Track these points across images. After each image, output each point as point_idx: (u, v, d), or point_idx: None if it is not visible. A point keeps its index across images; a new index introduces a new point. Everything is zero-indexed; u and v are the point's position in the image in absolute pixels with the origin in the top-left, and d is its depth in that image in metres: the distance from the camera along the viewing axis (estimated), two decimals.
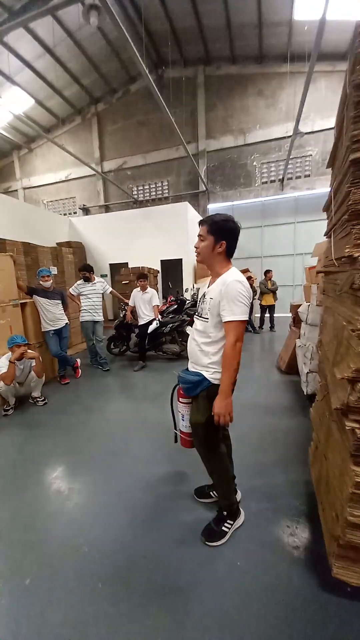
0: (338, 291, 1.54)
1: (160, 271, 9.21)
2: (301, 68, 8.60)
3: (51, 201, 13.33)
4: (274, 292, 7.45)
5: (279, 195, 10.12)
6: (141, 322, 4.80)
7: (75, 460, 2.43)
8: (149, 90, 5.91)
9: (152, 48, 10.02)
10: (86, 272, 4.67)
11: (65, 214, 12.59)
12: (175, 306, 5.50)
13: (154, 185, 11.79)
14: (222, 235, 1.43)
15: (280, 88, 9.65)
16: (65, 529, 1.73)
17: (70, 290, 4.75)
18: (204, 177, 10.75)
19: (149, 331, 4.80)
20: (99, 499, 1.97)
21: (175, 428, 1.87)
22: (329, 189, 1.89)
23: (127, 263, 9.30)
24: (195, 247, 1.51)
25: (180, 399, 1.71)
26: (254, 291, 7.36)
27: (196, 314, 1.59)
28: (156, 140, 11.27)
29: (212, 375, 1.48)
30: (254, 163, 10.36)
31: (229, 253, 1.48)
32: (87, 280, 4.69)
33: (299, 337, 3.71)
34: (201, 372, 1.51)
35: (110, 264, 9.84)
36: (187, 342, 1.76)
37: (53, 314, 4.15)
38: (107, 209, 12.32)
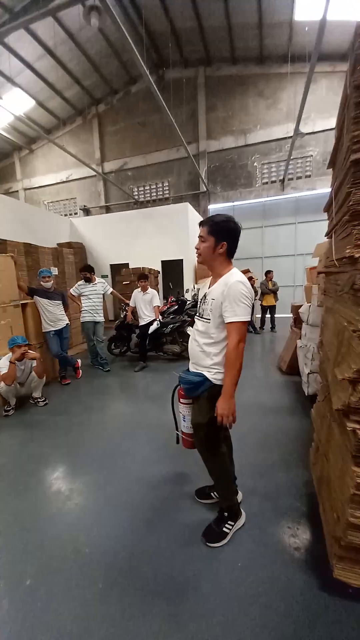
0: (339, 292, 1.54)
1: (160, 272, 9.21)
2: (302, 68, 8.60)
3: (52, 202, 13.36)
4: (274, 292, 7.44)
5: (280, 195, 10.12)
6: (142, 322, 4.81)
7: (75, 461, 2.43)
8: (150, 91, 5.92)
9: (153, 49, 10.04)
10: (87, 272, 4.68)
11: (66, 215, 12.62)
12: (176, 307, 5.50)
13: (154, 186, 11.80)
14: (223, 236, 1.43)
15: (281, 88, 9.65)
16: (65, 530, 1.73)
17: (71, 290, 4.76)
18: (205, 178, 10.75)
19: (149, 332, 4.80)
20: (99, 500, 1.97)
21: (177, 429, 1.87)
22: (329, 190, 1.89)
23: (127, 264, 9.31)
24: (196, 248, 1.51)
25: (181, 400, 1.71)
26: (255, 292, 7.35)
27: (197, 314, 1.59)
28: (157, 141, 11.28)
29: (214, 375, 1.48)
30: (255, 163, 10.36)
31: (230, 254, 1.48)
32: (88, 280, 4.70)
33: (300, 338, 3.70)
34: (203, 372, 1.51)
35: (111, 265, 9.85)
36: (187, 343, 1.76)
37: (54, 315, 4.15)
38: (107, 209, 12.33)
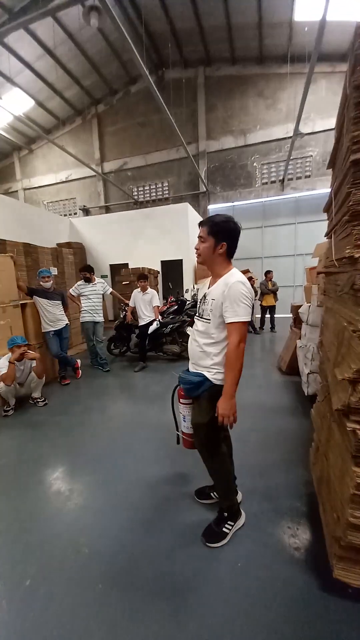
0: (339, 292, 1.54)
1: (160, 272, 9.21)
2: (301, 69, 8.61)
3: (51, 202, 13.35)
4: (274, 292, 7.44)
5: (280, 195, 10.12)
6: (141, 322, 4.80)
7: (75, 461, 2.42)
8: (150, 91, 5.92)
9: (153, 49, 10.04)
10: (87, 272, 4.68)
11: (65, 215, 12.61)
12: (176, 307, 5.51)
13: (154, 186, 11.80)
14: (222, 236, 1.43)
15: (281, 89, 9.66)
16: (65, 530, 1.73)
17: (71, 291, 4.75)
18: (205, 178, 10.76)
19: (149, 332, 4.80)
20: (99, 500, 1.97)
21: (177, 429, 1.87)
22: (329, 190, 1.89)
23: (127, 264, 9.31)
24: (196, 249, 1.51)
25: (181, 400, 1.70)
26: (255, 292, 7.36)
27: (196, 314, 1.59)
28: (156, 141, 11.28)
29: (214, 375, 1.48)
30: (255, 164, 10.36)
31: (230, 254, 1.48)
32: (88, 280, 4.69)
33: (300, 338, 3.70)
34: (203, 372, 1.51)
35: (111, 265, 9.84)
36: (187, 343, 1.76)
37: (53, 315, 4.15)
38: (107, 209, 12.33)
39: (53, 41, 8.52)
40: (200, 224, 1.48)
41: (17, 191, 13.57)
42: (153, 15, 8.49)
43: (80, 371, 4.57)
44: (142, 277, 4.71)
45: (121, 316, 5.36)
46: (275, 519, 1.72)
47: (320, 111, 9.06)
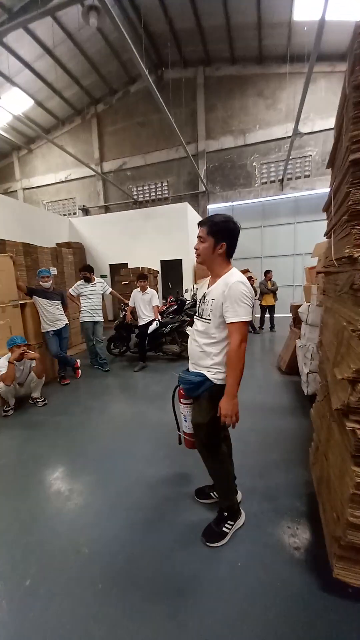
0: (338, 291, 1.54)
1: (160, 272, 9.21)
2: (301, 69, 8.61)
3: (51, 202, 13.33)
4: (274, 292, 7.45)
5: (279, 195, 10.12)
6: (141, 322, 4.80)
7: (75, 461, 2.42)
8: (149, 91, 5.92)
9: (152, 49, 10.03)
10: (87, 272, 4.67)
11: (65, 215, 12.59)
12: (175, 307, 5.50)
13: (153, 186, 11.79)
14: (222, 236, 1.43)
15: (280, 89, 9.66)
16: (65, 530, 1.73)
17: (70, 290, 4.75)
18: (204, 178, 10.75)
19: (149, 332, 4.80)
20: (99, 500, 1.97)
21: (179, 430, 1.87)
22: (328, 189, 1.90)
23: (127, 263, 9.30)
24: (195, 249, 1.50)
25: (182, 400, 1.70)
26: (255, 291, 7.35)
27: (196, 314, 1.59)
28: (156, 141, 11.27)
29: (214, 375, 1.48)
30: (254, 163, 10.36)
31: (229, 254, 1.48)
32: (88, 280, 4.69)
33: (299, 338, 3.71)
34: (203, 372, 1.51)
35: (110, 265, 9.84)
36: (187, 343, 1.75)
37: (53, 315, 4.15)
38: (107, 209, 12.32)
39: (52, 41, 8.51)
40: (200, 224, 1.48)
41: (16, 191, 13.56)
42: (152, 15, 8.48)
43: (79, 371, 4.57)
44: (142, 276, 4.70)
45: (121, 316, 5.36)
46: (275, 519, 1.72)
47: (320, 111, 9.06)
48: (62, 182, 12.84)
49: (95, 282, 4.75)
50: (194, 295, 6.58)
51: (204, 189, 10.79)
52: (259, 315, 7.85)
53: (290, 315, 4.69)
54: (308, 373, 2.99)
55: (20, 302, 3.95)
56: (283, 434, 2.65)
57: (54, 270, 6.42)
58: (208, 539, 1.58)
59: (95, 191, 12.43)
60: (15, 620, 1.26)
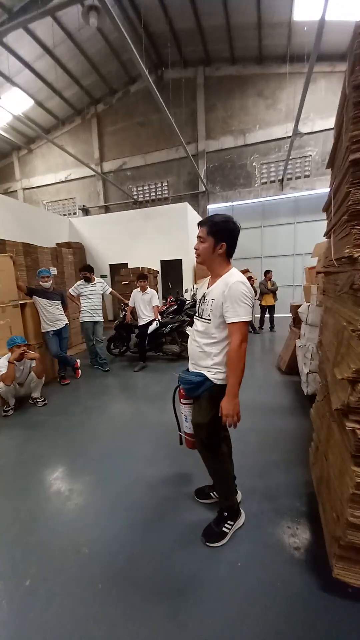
0: (338, 291, 1.54)
1: (160, 272, 9.21)
2: (301, 69, 8.61)
3: (51, 202, 13.33)
4: (274, 292, 7.45)
5: (279, 195, 10.12)
6: (141, 322, 4.80)
7: (75, 461, 2.42)
8: (149, 91, 5.92)
9: (152, 49, 10.03)
10: (87, 272, 4.67)
11: (65, 215, 12.59)
12: (175, 307, 5.50)
13: (153, 186, 11.79)
14: (222, 236, 1.43)
15: (280, 89, 9.66)
16: (65, 530, 1.73)
17: (70, 290, 4.75)
18: (204, 178, 10.75)
19: (149, 332, 4.80)
20: (99, 500, 1.97)
21: (180, 430, 1.87)
22: (328, 189, 1.90)
23: (127, 263, 9.30)
24: (195, 249, 1.50)
25: (182, 400, 1.70)
26: (255, 291, 7.35)
27: (196, 314, 1.59)
28: (156, 141, 11.27)
29: (214, 375, 1.48)
30: (254, 163, 10.36)
31: (229, 254, 1.48)
32: (88, 280, 4.69)
33: (299, 338, 3.71)
34: (203, 372, 1.51)
35: (110, 265, 9.84)
36: (187, 343, 1.75)
37: (53, 315, 4.15)
38: (107, 209, 12.32)
39: (52, 41, 8.51)
40: (200, 224, 1.48)
41: (16, 191, 13.56)
42: (152, 14, 8.48)
43: (79, 371, 4.57)
44: (142, 276, 4.70)
45: (121, 316, 5.36)
46: (275, 519, 1.72)
47: (320, 111, 9.06)
48: (62, 182, 12.84)
49: (95, 282, 4.75)
50: (193, 295, 6.58)
51: (204, 189, 10.79)
52: (258, 315, 7.85)
53: (290, 315, 4.69)
54: (308, 373, 2.99)
55: (20, 302, 3.95)
56: (283, 434, 2.65)
57: (54, 270, 6.42)
58: (208, 539, 1.58)
59: (95, 191, 12.43)
60: (15, 620, 1.26)
